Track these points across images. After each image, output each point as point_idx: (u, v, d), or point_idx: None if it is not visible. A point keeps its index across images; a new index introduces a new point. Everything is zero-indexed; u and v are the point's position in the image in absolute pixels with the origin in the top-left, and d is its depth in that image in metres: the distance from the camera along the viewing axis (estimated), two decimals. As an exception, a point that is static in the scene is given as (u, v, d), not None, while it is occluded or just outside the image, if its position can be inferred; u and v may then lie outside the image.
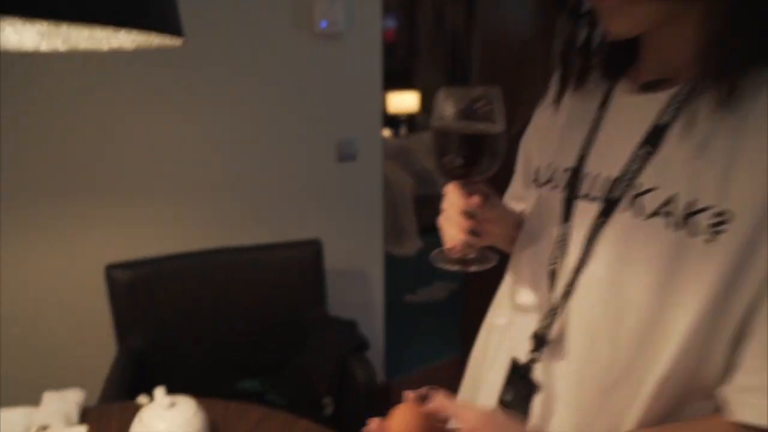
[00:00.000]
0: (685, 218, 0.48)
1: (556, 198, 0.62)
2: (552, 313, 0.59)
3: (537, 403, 0.61)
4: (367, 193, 2.02)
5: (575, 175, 0.60)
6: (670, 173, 0.51)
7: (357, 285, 2.08)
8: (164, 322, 1.44)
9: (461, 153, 0.56)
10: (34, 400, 0.94)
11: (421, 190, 4.46)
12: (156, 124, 1.54)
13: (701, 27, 0.49)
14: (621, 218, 0.54)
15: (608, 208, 0.55)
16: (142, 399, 0.92)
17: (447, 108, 0.56)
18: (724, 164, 0.47)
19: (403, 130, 5.74)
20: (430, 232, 4.51)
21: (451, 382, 2.95)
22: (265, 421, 0.97)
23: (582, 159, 0.60)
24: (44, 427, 0.85)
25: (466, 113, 0.55)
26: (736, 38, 0.46)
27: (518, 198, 0.79)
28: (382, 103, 1.98)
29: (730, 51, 0.47)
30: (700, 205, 0.48)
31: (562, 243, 0.59)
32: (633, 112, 0.57)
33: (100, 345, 1.52)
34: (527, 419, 0.61)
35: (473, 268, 0.61)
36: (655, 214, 0.51)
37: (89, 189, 1.49)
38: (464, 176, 0.59)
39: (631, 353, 0.52)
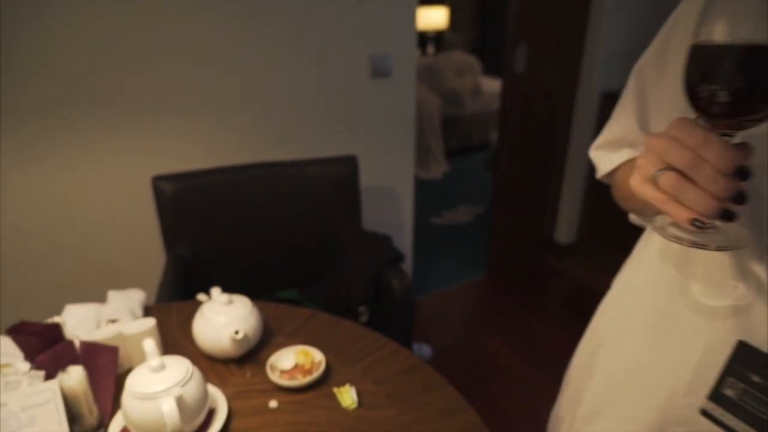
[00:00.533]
0: None
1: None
2: None
3: None
4: (401, 111, 2.00)
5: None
6: None
7: (388, 204, 2.12)
8: (206, 233, 1.50)
9: (743, 78, 0.39)
10: (98, 299, 1.02)
11: (449, 111, 4.38)
12: (198, 39, 1.53)
13: None
14: None
15: None
16: (201, 296, 0.99)
17: (727, 11, 0.39)
18: None
19: (431, 48, 5.55)
20: (457, 155, 4.50)
21: (475, 303, 3.07)
22: (311, 320, 1.03)
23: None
24: (113, 320, 0.92)
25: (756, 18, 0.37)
26: None
27: (630, 143, 0.66)
28: (415, 19, 1.91)
29: None
30: None
31: None
32: None
33: (150, 253, 1.61)
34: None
35: (715, 247, 0.44)
36: None
37: (137, 102, 1.51)
38: (733, 115, 0.41)
39: None
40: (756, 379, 0.50)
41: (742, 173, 0.40)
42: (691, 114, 0.46)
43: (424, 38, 5.57)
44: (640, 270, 0.66)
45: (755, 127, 0.41)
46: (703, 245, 0.43)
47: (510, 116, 2.46)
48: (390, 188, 2.10)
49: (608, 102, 2.50)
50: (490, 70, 5.07)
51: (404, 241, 2.22)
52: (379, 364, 0.91)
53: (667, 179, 0.42)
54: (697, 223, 0.42)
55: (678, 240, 0.45)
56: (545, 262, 2.84)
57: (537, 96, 2.48)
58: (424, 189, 3.91)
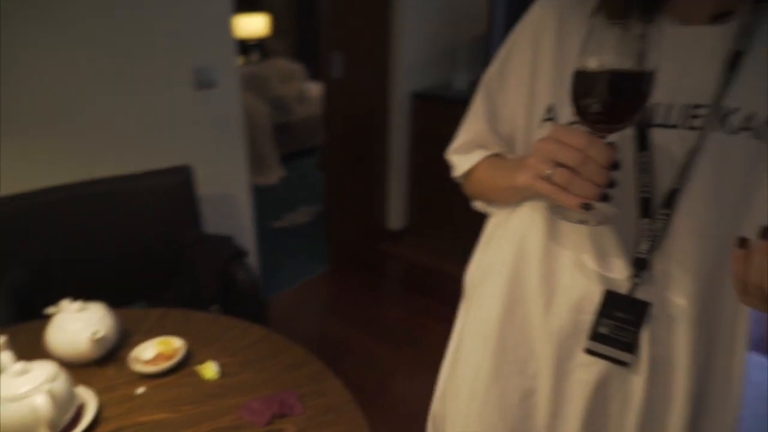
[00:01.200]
0: (764, 128, 0.58)
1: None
2: (652, 237, 0.62)
3: (656, 319, 0.64)
4: (229, 120, 2.10)
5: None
6: (749, 94, 0.58)
7: (228, 210, 2.20)
8: (45, 256, 1.46)
9: (613, 95, 0.52)
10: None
11: (279, 118, 4.50)
12: (14, 57, 1.47)
13: None
14: (715, 137, 0.59)
15: (701, 131, 0.59)
16: (50, 309, 1.01)
17: (599, 44, 0.51)
18: None
19: (254, 56, 5.60)
20: (291, 159, 4.63)
21: (322, 294, 3.28)
22: (165, 317, 1.12)
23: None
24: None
25: (620, 51, 0.50)
26: None
27: (482, 145, 0.78)
28: (233, 29, 2.02)
29: None
30: None
31: (646, 169, 0.62)
32: (698, 41, 0.61)
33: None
34: (636, 346, 0.64)
35: (595, 223, 0.58)
36: (741, 129, 0.58)
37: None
38: (609, 123, 0.54)
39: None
40: (620, 315, 0.65)
41: (615, 166, 0.53)
42: (540, 121, 0.68)
43: (247, 46, 5.60)
44: (505, 246, 0.76)
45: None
46: (587, 221, 0.57)
47: (333, 119, 2.69)
48: (228, 195, 2.18)
49: (418, 100, 2.89)
50: (315, 75, 5.29)
51: (248, 245, 2.32)
52: (233, 341, 1.04)
53: (561, 175, 0.52)
54: (586, 206, 0.53)
55: (569, 219, 0.59)
56: (381, 249, 3.14)
57: (356, 98, 2.75)
58: (263, 195, 4.00)
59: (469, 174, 0.80)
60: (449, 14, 3.00)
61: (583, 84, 0.53)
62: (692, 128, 0.60)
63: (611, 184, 0.53)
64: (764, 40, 0.59)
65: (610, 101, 0.52)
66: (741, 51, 0.59)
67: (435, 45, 2.97)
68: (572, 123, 0.61)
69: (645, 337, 0.64)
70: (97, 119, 1.69)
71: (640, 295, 0.64)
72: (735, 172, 0.60)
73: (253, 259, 2.36)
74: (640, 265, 0.64)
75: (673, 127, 0.61)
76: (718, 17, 0.60)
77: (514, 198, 0.74)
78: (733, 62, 0.59)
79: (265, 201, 3.84)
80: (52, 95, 1.58)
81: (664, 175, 0.62)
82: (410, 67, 2.87)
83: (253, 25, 5.56)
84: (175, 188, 1.64)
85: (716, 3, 0.60)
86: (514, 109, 0.73)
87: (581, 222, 0.59)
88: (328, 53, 2.53)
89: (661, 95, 0.59)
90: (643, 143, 0.62)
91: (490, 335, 0.74)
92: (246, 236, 2.30)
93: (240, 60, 5.31)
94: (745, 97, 0.59)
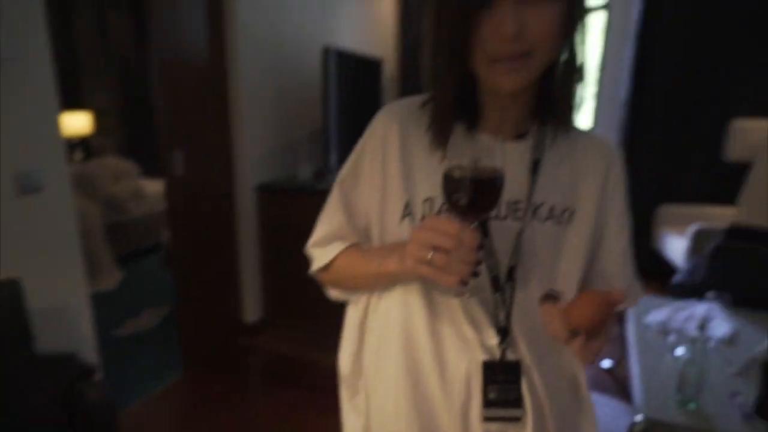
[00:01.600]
0: (561, 215, 0.77)
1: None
2: (506, 306, 0.76)
3: (526, 373, 0.76)
4: (58, 225, 1.94)
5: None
6: (548, 191, 0.77)
7: (65, 323, 1.96)
8: None
9: (477, 192, 0.64)
10: None
11: (112, 217, 4.19)
12: None
13: (536, 97, 0.76)
14: (532, 225, 0.76)
15: (522, 221, 0.76)
16: None
17: (461, 152, 0.65)
18: (571, 181, 0.79)
19: (78, 155, 5.22)
20: (130, 260, 4.29)
21: (180, 402, 3.07)
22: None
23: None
24: None
25: (478, 157, 0.64)
26: (566, 105, 0.75)
27: (340, 237, 0.86)
28: (60, 130, 1.92)
29: (563, 112, 0.76)
30: (563, 206, 0.77)
31: (490, 253, 0.75)
32: (512, 153, 0.77)
33: None
34: (522, 402, 0.75)
35: (469, 295, 0.74)
36: (547, 218, 0.77)
37: None
38: (476, 213, 0.66)
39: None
40: (502, 377, 0.75)
41: (481, 246, 0.64)
42: (400, 218, 0.78)
43: (71, 145, 5.21)
44: (387, 331, 0.82)
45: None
46: (462, 294, 0.72)
47: (178, 216, 2.61)
48: (63, 307, 1.96)
49: (264, 192, 2.95)
50: (149, 172, 5.07)
51: (91, 360, 2.07)
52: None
53: (439, 258, 0.62)
54: (463, 283, 0.64)
55: (446, 293, 0.74)
56: (239, 343, 3.01)
57: (200, 193, 2.71)
58: (101, 301, 3.61)
59: (328, 265, 0.86)
60: (287, 111, 3.17)
61: (451, 184, 0.65)
62: (516, 219, 0.76)
63: (479, 263, 0.64)
64: (551, 150, 0.79)
65: (474, 197, 0.64)
66: (538, 159, 0.77)
67: (276, 139, 3.10)
68: (438, 213, 0.76)
69: (525, 390, 0.76)
70: None
71: (510, 356, 0.75)
72: (547, 250, 0.77)
73: (98, 376, 2.10)
74: (503, 333, 0.75)
75: (504, 218, 0.76)
76: (520, 135, 0.79)
77: (383, 283, 0.82)
78: (534, 168, 0.77)
79: (104, 308, 3.48)
80: None
81: (504, 256, 0.76)
82: (254, 161, 2.94)
83: (75, 122, 5.23)
84: (1, 306, 1.45)
85: (516, 125, 0.78)
86: (368, 204, 0.83)
87: (457, 295, 0.73)
88: (169, 151, 2.49)
89: None
90: (485, 232, 0.76)
91: (401, 419, 0.79)
92: (87, 351, 2.07)
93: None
94: (545, 193, 0.77)
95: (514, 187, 0.75)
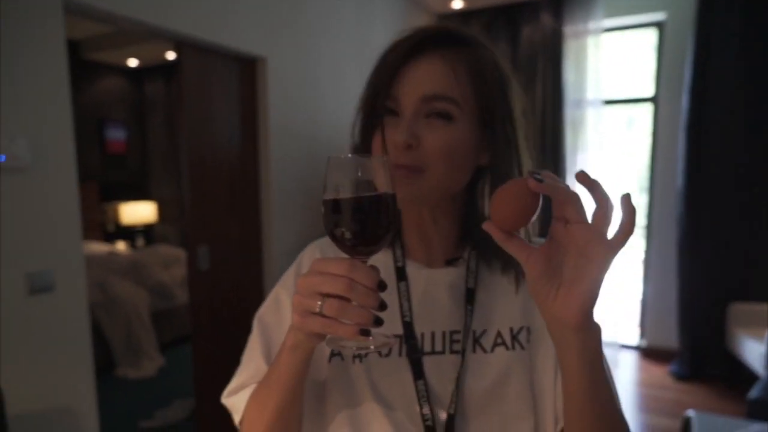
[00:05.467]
0: (515, 338, 0.70)
1: (391, 363, 0.69)
2: None
3: None
4: (71, 323, 1.94)
5: (412, 338, 0.69)
6: (492, 316, 0.71)
7: (66, 425, 1.92)
8: None
9: (363, 219, 0.53)
10: None
11: (159, 304, 4.30)
12: None
13: (454, 226, 0.74)
14: (474, 358, 0.69)
15: (462, 355, 0.68)
16: None
17: (339, 177, 0.54)
18: (521, 298, 0.72)
19: (140, 241, 5.52)
20: (172, 346, 4.35)
21: None
22: None
23: (410, 324, 0.70)
24: None
25: (359, 181, 0.53)
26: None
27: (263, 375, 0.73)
28: (80, 233, 1.98)
29: (484, 241, 0.70)
30: (516, 328, 0.71)
31: (426, 397, 0.66)
32: (441, 280, 0.72)
33: None
34: None
35: (375, 349, 0.57)
36: (495, 345, 0.70)
37: None
38: (369, 244, 0.55)
39: None
40: None
41: (381, 286, 0.53)
42: (328, 357, 0.70)
43: (133, 232, 5.54)
44: None
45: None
46: (366, 348, 0.55)
47: (201, 310, 2.59)
48: (67, 407, 1.93)
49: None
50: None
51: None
52: None
53: (331, 305, 0.51)
54: (365, 332, 0.52)
55: (348, 351, 0.61)
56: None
57: (224, 287, 2.70)
58: (135, 390, 3.63)
59: (246, 412, 0.71)
60: (318, 206, 3.17)
61: (331, 214, 0.54)
62: (454, 352, 0.69)
63: (382, 306, 0.53)
64: (483, 277, 0.73)
65: (360, 225, 0.53)
66: (471, 288, 0.72)
67: (302, 235, 3.09)
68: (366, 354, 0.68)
69: None
70: None
71: None
72: (498, 382, 0.68)
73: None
74: None
75: (441, 353, 0.69)
76: (450, 261, 0.74)
77: (290, 385, 0.63)
78: (469, 297, 0.71)
79: (137, 396, 3.48)
80: None
81: (441, 401, 0.67)
82: (283, 254, 2.92)
83: (140, 211, 5.58)
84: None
85: (446, 252, 0.75)
86: None
87: (361, 350, 0.55)
88: (194, 247, 2.53)
89: (424, 326, 0.70)
90: (417, 372, 0.67)
91: None
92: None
93: (123, 246, 5.20)
94: (486, 321, 0.71)
95: (447, 316, 0.71)
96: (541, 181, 0.51)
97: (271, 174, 2.84)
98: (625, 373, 4.04)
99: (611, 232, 0.52)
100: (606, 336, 4.34)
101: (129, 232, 5.52)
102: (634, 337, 4.47)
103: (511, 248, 0.54)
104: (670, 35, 3.97)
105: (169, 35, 2.31)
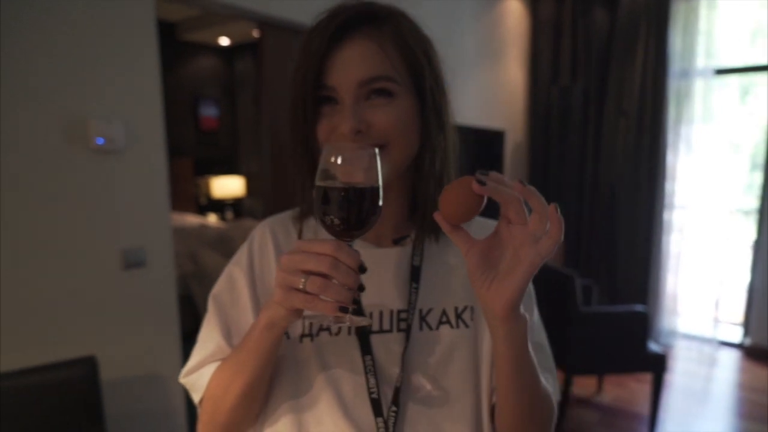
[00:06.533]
0: (459, 317, 0.74)
1: (341, 341, 0.71)
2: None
3: None
4: (160, 297, 2.07)
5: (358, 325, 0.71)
6: (437, 295, 0.74)
7: (154, 391, 2.07)
8: None
9: (351, 207, 0.57)
10: None
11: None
12: None
13: (402, 204, 0.76)
14: (420, 336, 0.71)
15: (407, 333, 0.70)
16: None
17: (332, 165, 0.57)
18: (463, 278, 0.74)
19: (229, 214, 5.80)
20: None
21: None
22: None
23: (359, 303, 0.71)
24: None
25: (348, 169, 0.57)
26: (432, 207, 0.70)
27: (218, 360, 0.74)
28: (169, 213, 2.08)
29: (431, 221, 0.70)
30: (460, 307, 0.74)
31: (372, 371, 0.69)
32: (388, 260, 0.74)
33: None
34: None
35: (352, 326, 0.64)
36: (440, 323, 0.73)
37: None
38: (355, 228, 0.59)
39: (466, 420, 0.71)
40: None
41: (362, 269, 0.57)
42: (299, 336, 0.71)
43: (223, 205, 5.84)
44: None
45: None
46: (343, 323, 0.59)
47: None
48: (155, 374, 2.07)
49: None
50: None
51: (177, 428, 2.15)
52: None
53: (313, 282, 0.55)
54: (344, 309, 0.55)
55: (325, 323, 0.65)
56: None
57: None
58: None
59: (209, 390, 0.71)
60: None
61: (321, 199, 0.58)
62: (401, 330, 0.71)
63: (361, 287, 0.58)
64: (430, 255, 0.76)
65: (347, 212, 0.57)
66: (417, 266, 0.74)
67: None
68: (321, 331, 0.72)
69: None
70: (10, 306, 1.64)
71: None
72: (443, 360, 0.71)
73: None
74: None
75: (388, 331, 0.71)
76: (398, 240, 0.77)
77: (259, 363, 0.65)
78: (414, 275, 0.73)
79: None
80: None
81: (388, 376, 0.70)
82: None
83: (228, 185, 5.84)
84: (75, 382, 1.54)
85: (394, 230, 0.77)
86: (249, 320, 0.73)
87: (336, 324, 0.60)
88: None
89: (372, 306, 0.72)
90: (365, 348, 0.70)
91: None
92: (176, 420, 2.15)
93: (214, 218, 5.50)
94: (432, 299, 0.73)
95: (395, 295, 0.73)
96: (483, 183, 0.54)
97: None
98: (724, 374, 3.70)
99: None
100: (703, 330, 3.99)
101: (219, 205, 5.82)
102: (736, 334, 4.08)
103: (455, 239, 0.59)
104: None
105: (252, 16, 2.33)
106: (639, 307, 2.77)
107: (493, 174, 0.55)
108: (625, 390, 3.36)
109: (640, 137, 4.05)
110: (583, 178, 4.34)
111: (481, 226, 0.79)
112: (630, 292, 4.15)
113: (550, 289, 2.82)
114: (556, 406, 0.74)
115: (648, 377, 2.98)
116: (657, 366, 2.68)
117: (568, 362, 2.70)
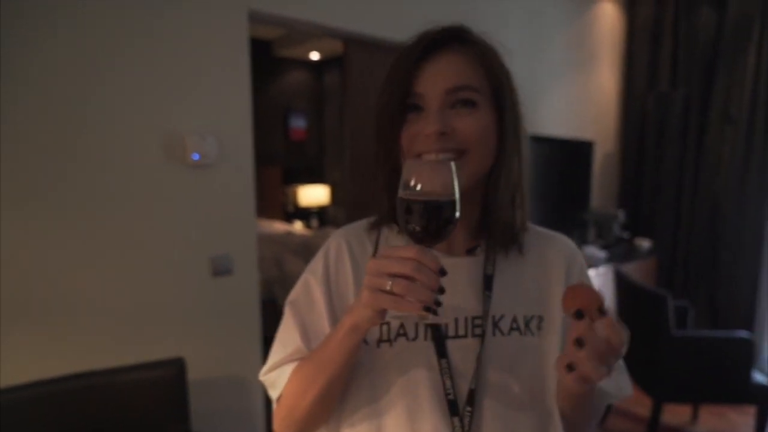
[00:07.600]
0: (527, 325, 0.77)
1: (418, 346, 0.74)
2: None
3: None
4: (244, 304, 2.18)
5: (436, 324, 0.75)
6: (508, 303, 0.77)
7: (235, 395, 2.18)
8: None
9: (430, 218, 0.62)
10: None
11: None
12: (27, 247, 1.63)
13: (473, 215, 0.79)
14: (493, 341, 0.75)
15: (482, 338, 0.74)
16: None
17: (412, 177, 0.62)
18: (535, 287, 0.79)
19: (314, 222, 5.99)
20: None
21: None
22: None
23: (440, 304, 0.71)
24: None
25: (428, 182, 0.62)
26: (505, 219, 0.77)
27: (295, 360, 0.78)
28: (255, 223, 2.18)
29: (505, 226, 0.77)
30: (528, 316, 0.77)
31: (448, 373, 0.73)
32: (461, 269, 0.77)
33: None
34: None
35: (433, 321, 0.70)
36: (511, 329, 0.76)
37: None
38: (435, 237, 0.63)
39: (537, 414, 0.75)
40: None
41: (443, 272, 0.61)
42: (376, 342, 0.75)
43: (308, 213, 6.04)
44: None
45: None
46: (426, 320, 0.67)
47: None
48: (238, 376, 2.18)
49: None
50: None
51: (257, 426, 2.25)
52: None
53: (399, 284, 0.59)
54: (427, 309, 0.60)
55: (407, 320, 0.73)
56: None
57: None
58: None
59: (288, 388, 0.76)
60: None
61: (406, 210, 0.62)
62: (476, 336, 0.75)
63: (442, 289, 0.61)
64: (501, 264, 0.79)
65: (429, 221, 0.62)
66: (490, 274, 0.77)
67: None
68: (395, 338, 0.76)
69: None
70: (107, 310, 1.80)
71: None
72: (515, 363, 0.75)
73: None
74: None
75: (463, 337, 0.75)
76: (470, 250, 0.80)
77: (342, 366, 0.70)
78: (487, 283, 0.76)
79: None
80: (68, 287, 1.72)
81: (463, 378, 0.73)
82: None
83: (314, 194, 6.03)
84: (163, 384, 1.66)
85: (467, 241, 0.80)
86: (326, 327, 0.78)
87: (423, 321, 0.71)
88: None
89: (448, 314, 0.75)
90: (441, 352, 0.73)
91: None
92: (256, 423, 2.24)
93: (300, 226, 5.70)
94: (505, 306, 0.77)
95: (470, 303, 0.76)
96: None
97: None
98: None
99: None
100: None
101: (305, 213, 6.03)
102: None
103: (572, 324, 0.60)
104: None
105: (337, 34, 2.41)
106: (743, 333, 2.52)
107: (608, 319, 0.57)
108: (724, 421, 3.06)
109: (750, 147, 3.69)
110: (680, 190, 4.03)
111: (539, 236, 0.84)
112: (731, 315, 3.79)
113: (639, 309, 2.63)
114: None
115: (751, 410, 2.68)
116: (762, 398, 2.43)
117: (657, 388, 2.50)
